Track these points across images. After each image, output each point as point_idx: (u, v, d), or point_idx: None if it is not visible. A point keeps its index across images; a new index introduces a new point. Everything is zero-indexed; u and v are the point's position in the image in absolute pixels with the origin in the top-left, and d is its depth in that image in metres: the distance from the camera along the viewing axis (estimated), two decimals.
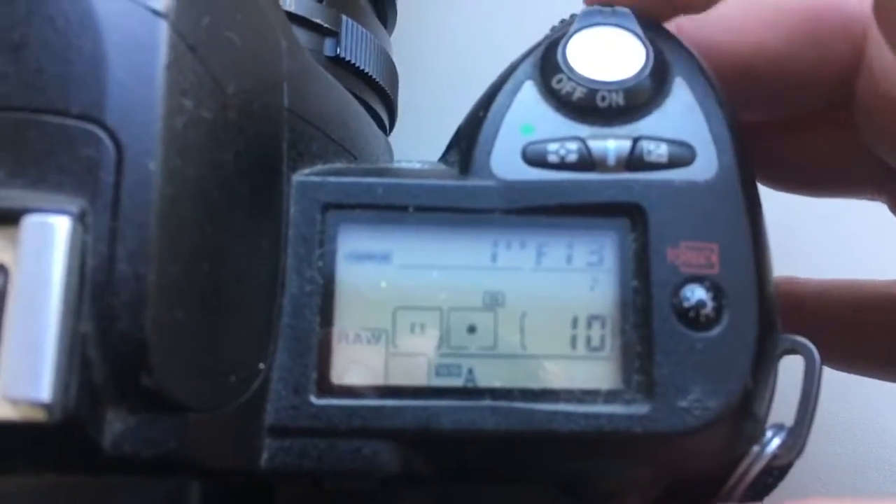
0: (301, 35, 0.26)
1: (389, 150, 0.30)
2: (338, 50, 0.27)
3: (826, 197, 0.29)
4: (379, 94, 0.30)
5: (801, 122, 0.27)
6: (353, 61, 0.28)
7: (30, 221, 0.16)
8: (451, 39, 0.42)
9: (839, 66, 0.23)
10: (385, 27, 0.33)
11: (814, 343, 0.21)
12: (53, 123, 0.17)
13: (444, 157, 0.22)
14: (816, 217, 0.38)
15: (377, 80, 0.29)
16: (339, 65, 0.28)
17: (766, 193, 0.27)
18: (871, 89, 0.23)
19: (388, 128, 0.32)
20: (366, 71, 0.28)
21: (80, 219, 0.16)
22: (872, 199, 0.27)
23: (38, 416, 0.15)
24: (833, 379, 0.35)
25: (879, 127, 0.23)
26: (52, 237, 0.16)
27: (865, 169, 0.26)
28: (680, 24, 0.23)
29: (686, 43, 0.22)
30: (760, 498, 0.22)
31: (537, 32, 0.23)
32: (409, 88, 0.36)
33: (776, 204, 0.28)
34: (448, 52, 0.41)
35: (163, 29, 0.18)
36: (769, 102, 0.25)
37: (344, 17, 0.28)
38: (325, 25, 0.27)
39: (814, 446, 0.35)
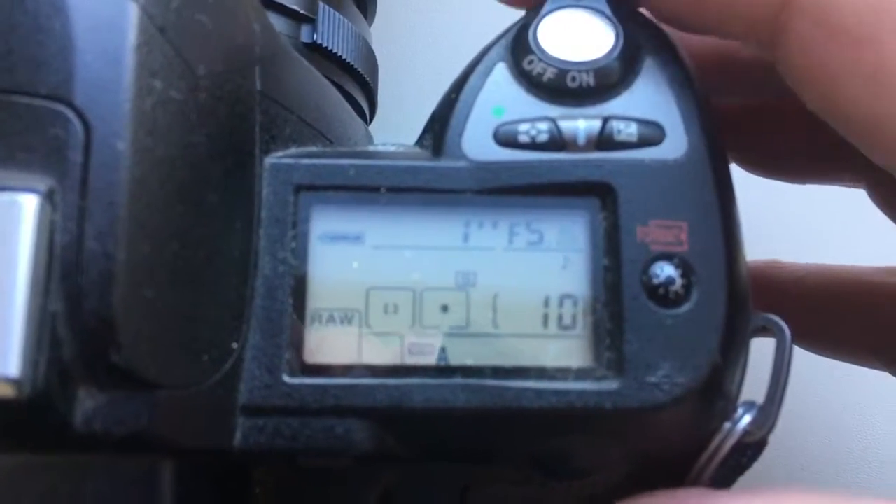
0: (277, 21, 0.27)
1: (369, 138, 0.30)
2: (314, 36, 0.28)
3: (805, 182, 0.29)
4: (358, 81, 0.30)
5: (779, 107, 0.27)
6: (330, 48, 0.28)
7: None
8: (434, 29, 0.42)
9: None
10: (365, 17, 0.33)
11: (793, 326, 0.21)
12: (22, 104, 0.17)
13: (419, 141, 0.23)
14: (798, 201, 0.39)
15: (356, 67, 0.29)
16: (316, 51, 0.28)
17: (750, 178, 0.27)
18: None
19: (368, 116, 0.32)
20: (344, 58, 0.29)
21: (48, 197, 0.16)
22: (852, 185, 0.27)
23: (7, 392, 0.16)
24: (818, 372, 0.35)
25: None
26: (19, 215, 0.16)
27: (844, 155, 0.26)
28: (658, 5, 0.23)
29: (662, 24, 0.22)
30: (735, 478, 0.22)
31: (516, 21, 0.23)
32: (392, 78, 0.36)
33: (758, 189, 0.28)
34: (431, 42, 0.42)
35: (132, 10, 0.18)
36: (747, 86, 0.25)
37: (321, 4, 0.28)
38: (302, 12, 0.27)
39: (798, 439, 0.36)
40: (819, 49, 0.19)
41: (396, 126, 0.36)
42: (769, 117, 0.27)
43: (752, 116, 0.27)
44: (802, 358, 0.24)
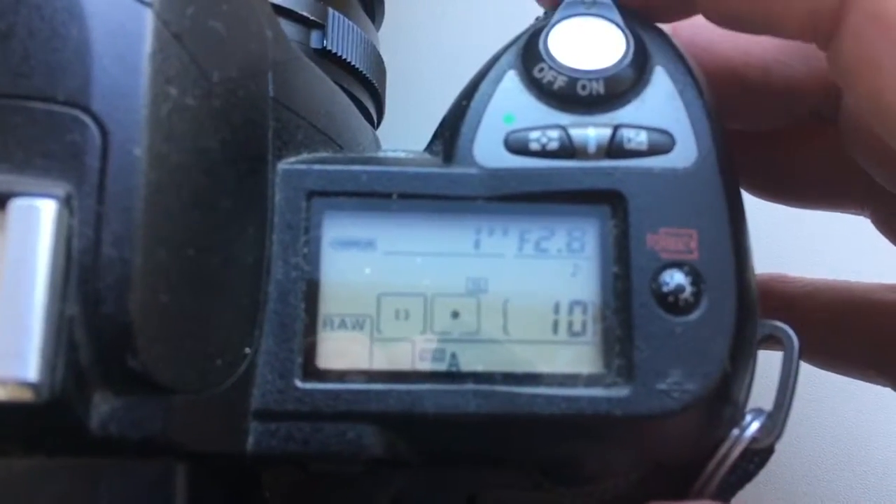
0: (287, 27, 0.27)
1: (377, 143, 0.30)
2: (324, 42, 0.28)
3: (810, 208, 0.30)
4: (366, 86, 0.30)
5: (786, 134, 0.27)
6: (339, 54, 0.28)
7: (16, 205, 0.16)
8: (440, 35, 0.42)
9: (825, 78, 0.24)
10: (373, 22, 0.33)
11: (799, 339, 0.21)
12: (40, 109, 0.17)
13: (429, 147, 0.23)
14: (804, 216, 0.39)
15: (364, 72, 0.29)
16: (325, 57, 0.28)
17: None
18: (853, 111, 0.23)
19: (375, 121, 0.32)
20: (353, 63, 0.29)
21: (65, 202, 0.16)
22: (856, 212, 0.28)
23: (25, 395, 0.16)
24: (827, 384, 0.35)
25: (864, 140, 0.24)
26: (38, 220, 0.16)
27: (849, 182, 0.26)
28: (675, 26, 0.24)
29: (677, 43, 0.23)
30: (742, 485, 0.22)
31: (524, 27, 0.24)
32: (399, 83, 0.36)
33: (765, 204, 0.28)
34: (437, 47, 0.42)
35: (148, 17, 0.18)
36: (756, 112, 0.26)
37: (330, 10, 0.28)
38: (312, 18, 0.27)
39: (802, 447, 0.36)
40: (871, 42, 0.19)
41: (403, 131, 0.36)
42: (775, 143, 0.27)
43: (759, 142, 0.27)
44: (807, 367, 0.24)
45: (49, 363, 0.16)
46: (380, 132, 0.33)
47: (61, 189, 0.16)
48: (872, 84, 0.19)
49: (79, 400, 0.16)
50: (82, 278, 0.16)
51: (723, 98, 0.22)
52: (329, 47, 0.28)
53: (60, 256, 0.16)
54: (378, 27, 0.34)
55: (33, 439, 0.17)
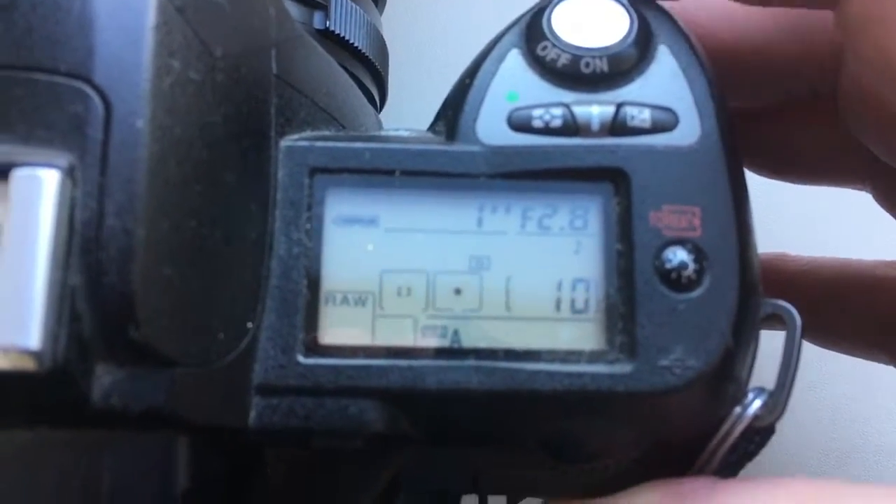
0: (290, 7, 0.27)
1: (379, 125, 0.30)
2: (327, 23, 0.28)
3: (811, 184, 0.30)
4: (368, 68, 0.30)
5: (786, 110, 0.27)
6: (342, 34, 0.28)
7: (19, 175, 0.16)
8: (444, 18, 0.42)
9: (823, 55, 0.24)
10: (376, 4, 0.33)
11: (801, 318, 0.21)
12: (42, 81, 0.17)
13: (432, 127, 0.23)
14: (806, 194, 0.39)
15: (367, 54, 0.29)
16: (328, 38, 0.28)
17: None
18: (855, 78, 0.23)
19: (378, 104, 0.32)
20: (355, 45, 0.29)
21: (68, 173, 0.16)
22: (857, 188, 0.28)
23: (28, 364, 0.16)
24: (819, 366, 0.36)
25: (863, 115, 0.24)
26: (40, 190, 0.16)
27: (850, 158, 0.26)
28: (672, 5, 0.24)
29: (681, 21, 0.23)
30: (743, 464, 0.22)
31: (527, 6, 0.24)
32: (402, 67, 0.36)
33: (767, 182, 0.28)
34: (440, 31, 0.42)
35: None
36: (755, 89, 0.26)
37: None
38: None
39: (801, 434, 0.36)
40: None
41: (406, 114, 0.36)
42: (775, 119, 0.27)
43: (758, 118, 0.27)
44: (808, 347, 0.24)
45: (51, 332, 0.16)
46: (382, 115, 0.33)
47: (64, 160, 0.16)
48: (879, 42, 0.19)
49: (81, 370, 0.16)
50: (85, 248, 0.16)
51: (722, 77, 0.22)
52: (332, 28, 0.28)
53: (63, 226, 0.16)
54: (381, 9, 0.34)
55: (35, 410, 0.17)
